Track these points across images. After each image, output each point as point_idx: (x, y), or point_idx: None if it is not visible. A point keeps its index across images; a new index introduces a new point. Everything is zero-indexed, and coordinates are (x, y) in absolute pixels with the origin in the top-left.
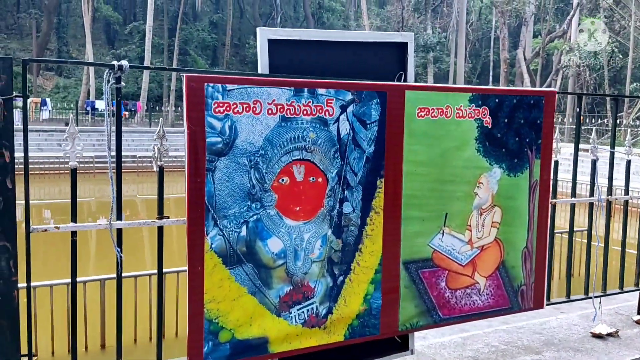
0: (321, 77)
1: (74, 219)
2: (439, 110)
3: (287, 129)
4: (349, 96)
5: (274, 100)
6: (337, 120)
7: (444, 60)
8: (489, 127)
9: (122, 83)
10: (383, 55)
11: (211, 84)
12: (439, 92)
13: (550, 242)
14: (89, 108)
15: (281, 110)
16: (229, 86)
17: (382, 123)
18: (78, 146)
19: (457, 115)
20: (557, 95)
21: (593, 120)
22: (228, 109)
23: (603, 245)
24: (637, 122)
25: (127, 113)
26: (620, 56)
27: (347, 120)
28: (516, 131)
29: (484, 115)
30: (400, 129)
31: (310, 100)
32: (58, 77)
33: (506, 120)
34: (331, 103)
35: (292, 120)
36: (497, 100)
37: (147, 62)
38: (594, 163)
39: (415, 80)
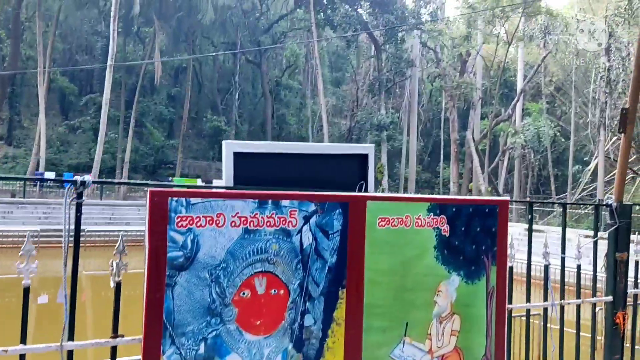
0: (285, 188)
1: (23, 340)
2: (399, 220)
3: (250, 240)
4: (312, 207)
5: (237, 212)
6: (300, 231)
7: (397, 139)
8: (447, 235)
9: (84, 198)
10: (345, 165)
11: (175, 198)
12: (398, 202)
13: (508, 349)
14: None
15: (245, 222)
16: (193, 200)
17: (344, 233)
18: (33, 264)
19: (417, 224)
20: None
21: (538, 204)
22: (191, 222)
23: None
24: (580, 203)
25: None
26: (562, 139)
27: (310, 231)
28: (473, 239)
29: (442, 224)
30: (362, 238)
31: (274, 212)
32: (7, 147)
33: (463, 229)
34: (294, 214)
35: (256, 232)
36: (454, 209)
37: (102, 133)
38: (546, 268)
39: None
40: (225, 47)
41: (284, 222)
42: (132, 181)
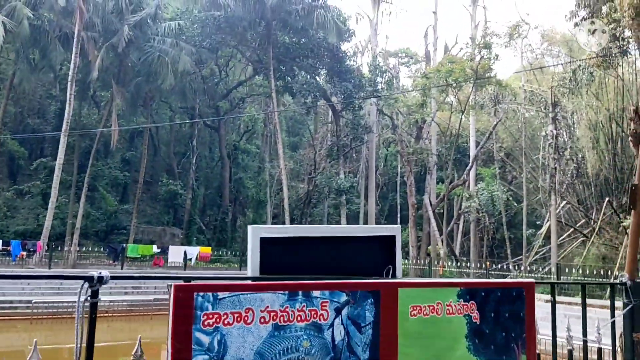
0: (314, 277)
1: None
2: (431, 308)
3: (280, 338)
4: (343, 297)
5: (267, 307)
6: (332, 325)
7: (354, 202)
8: (477, 322)
9: (100, 297)
10: (371, 248)
11: (201, 293)
12: (429, 289)
13: None
14: None
15: (274, 317)
16: (221, 294)
17: (377, 325)
18: None
19: (448, 311)
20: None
21: (494, 265)
22: (218, 320)
23: None
24: (533, 267)
25: (24, 253)
26: (515, 203)
27: (342, 324)
28: (502, 325)
29: (472, 310)
30: (394, 330)
31: (304, 304)
32: None
33: (492, 315)
34: (326, 306)
35: (286, 329)
36: (482, 294)
37: (53, 198)
38: (570, 354)
39: (328, 223)
40: (183, 111)
41: (314, 316)
42: (153, 274)
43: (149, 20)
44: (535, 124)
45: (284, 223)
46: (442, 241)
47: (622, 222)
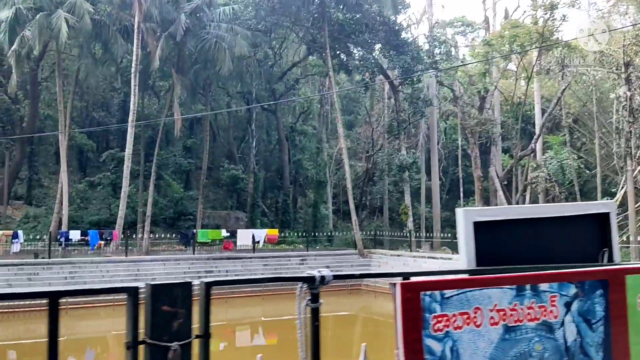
0: (534, 266)
1: None
2: None
3: (511, 342)
4: (572, 290)
5: (495, 305)
6: (563, 323)
7: (414, 178)
8: None
9: (320, 301)
10: (582, 228)
11: (428, 292)
12: None
13: None
14: (62, 239)
15: (503, 317)
16: (447, 292)
17: (607, 321)
18: None
19: None
20: None
21: None
22: (447, 323)
23: None
24: None
25: (102, 242)
26: (587, 171)
27: (573, 321)
28: None
29: None
30: (624, 326)
31: (533, 300)
32: (28, 207)
33: None
34: (555, 301)
35: (516, 330)
36: None
37: (125, 188)
38: None
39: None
40: (240, 96)
41: (544, 313)
42: (373, 272)
43: (204, 7)
44: (604, 87)
45: (344, 203)
46: None
47: None
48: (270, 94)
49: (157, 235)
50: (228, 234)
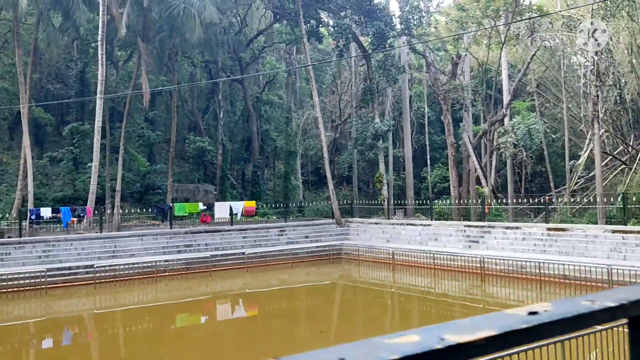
0: None
1: None
2: None
3: None
4: None
5: None
6: None
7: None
8: None
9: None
10: None
11: None
12: None
13: None
14: (33, 217)
15: None
16: None
17: None
18: None
19: None
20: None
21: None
22: None
23: None
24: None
25: (74, 219)
26: (552, 135)
27: None
28: None
29: None
30: None
31: None
32: None
33: None
34: None
35: None
36: None
37: (95, 162)
38: None
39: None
40: (204, 65)
41: None
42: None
43: None
44: (571, 52)
45: (313, 172)
46: (485, 179)
47: None
48: (237, 63)
49: (126, 210)
50: (205, 207)
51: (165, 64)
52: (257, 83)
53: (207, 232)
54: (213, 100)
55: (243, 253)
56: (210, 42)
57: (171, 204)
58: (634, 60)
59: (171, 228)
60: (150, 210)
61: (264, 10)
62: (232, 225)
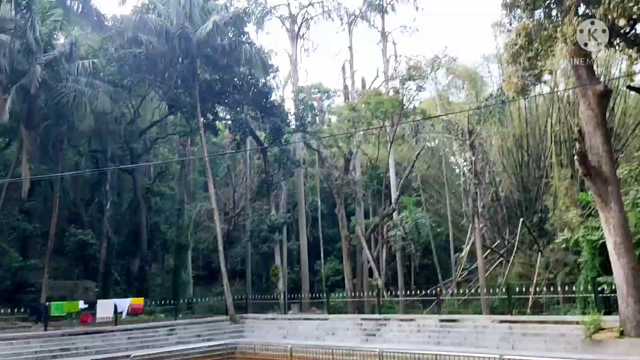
0: None
1: None
2: None
3: None
4: None
5: None
6: None
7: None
8: None
9: None
10: None
11: None
12: None
13: None
14: None
15: None
16: None
17: None
18: None
19: None
20: None
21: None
22: None
23: None
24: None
25: None
26: (438, 229)
27: None
28: None
29: None
30: None
31: None
32: None
33: None
34: None
35: None
36: None
37: None
38: None
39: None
40: (91, 154)
41: None
42: None
43: (62, 60)
44: (450, 152)
45: (204, 267)
46: (378, 271)
47: (536, 241)
48: (127, 153)
49: None
50: (86, 306)
51: (48, 152)
52: (147, 174)
53: (87, 333)
54: (99, 191)
55: (128, 356)
56: (100, 131)
57: (47, 303)
58: (504, 161)
59: (46, 330)
60: (23, 310)
61: (158, 102)
62: (116, 324)
